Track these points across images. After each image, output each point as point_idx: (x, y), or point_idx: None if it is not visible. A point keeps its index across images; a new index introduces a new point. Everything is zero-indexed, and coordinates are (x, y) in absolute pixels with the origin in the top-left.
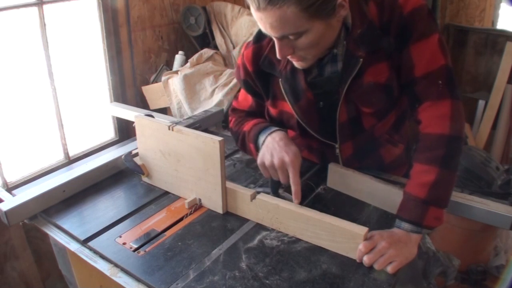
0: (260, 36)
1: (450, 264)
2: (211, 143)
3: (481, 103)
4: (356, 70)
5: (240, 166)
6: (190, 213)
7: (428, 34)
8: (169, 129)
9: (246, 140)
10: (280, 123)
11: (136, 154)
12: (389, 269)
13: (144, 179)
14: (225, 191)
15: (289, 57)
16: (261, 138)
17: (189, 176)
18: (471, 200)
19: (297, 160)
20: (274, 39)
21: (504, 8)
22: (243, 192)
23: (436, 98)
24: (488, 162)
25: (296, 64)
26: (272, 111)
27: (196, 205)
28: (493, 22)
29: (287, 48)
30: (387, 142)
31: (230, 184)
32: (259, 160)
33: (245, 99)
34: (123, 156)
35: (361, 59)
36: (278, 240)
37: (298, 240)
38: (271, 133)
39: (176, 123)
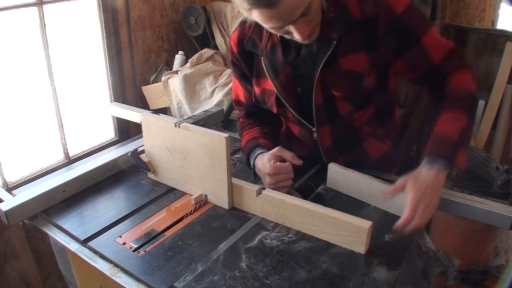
0: (244, 21)
1: (450, 264)
2: (218, 139)
3: (481, 103)
4: (329, 51)
5: (240, 166)
6: (190, 213)
7: (429, 26)
8: (175, 126)
9: (244, 155)
10: (263, 102)
11: (142, 151)
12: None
13: (150, 176)
14: (231, 187)
15: (298, 38)
16: (251, 162)
17: (195, 173)
18: (471, 200)
19: (273, 172)
20: (292, 26)
21: (504, 8)
22: (249, 188)
23: (458, 70)
24: (488, 162)
25: (307, 40)
26: (257, 90)
27: (202, 201)
28: (493, 22)
29: (305, 26)
30: (370, 135)
31: (235, 180)
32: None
33: (237, 86)
34: (129, 153)
35: (335, 41)
36: (278, 240)
37: (298, 240)
38: (255, 159)
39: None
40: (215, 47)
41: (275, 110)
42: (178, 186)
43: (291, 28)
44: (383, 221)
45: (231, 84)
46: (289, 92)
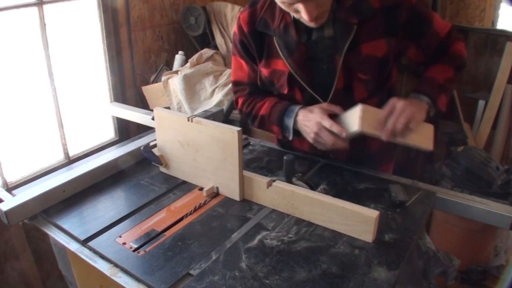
0: (254, 1)
1: (450, 264)
2: (230, 132)
3: (481, 103)
4: (351, 36)
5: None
6: (190, 213)
7: (432, 11)
8: (188, 120)
9: (267, 123)
10: (271, 84)
11: (154, 146)
12: (412, 124)
13: (162, 169)
14: (242, 179)
15: (305, 18)
16: (289, 121)
17: (207, 166)
18: (471, 200)
19: (323, 115)
20: (301, 5)
21: (504, 8)
22: (259, 180)
23: (457, 40)
24: (488, 162)
25: (314, 24)
26: (264, 72)
27: (214, 193)
28: (493, 22)
29: (314, 8)
30: None
31: (246, 173)
32: (311, 140)
33: (240, 67)
34: (142, 147)
35: (355, 26)
36: (278, 240)
37: (298, 240)
38: (296, 116)
39: None
40: (215, 47)
41: (285, 91)
42: (190, 179)
43: (300, 7)
44: (383, 221)
45: (231, 84)
46: (304, 70)
